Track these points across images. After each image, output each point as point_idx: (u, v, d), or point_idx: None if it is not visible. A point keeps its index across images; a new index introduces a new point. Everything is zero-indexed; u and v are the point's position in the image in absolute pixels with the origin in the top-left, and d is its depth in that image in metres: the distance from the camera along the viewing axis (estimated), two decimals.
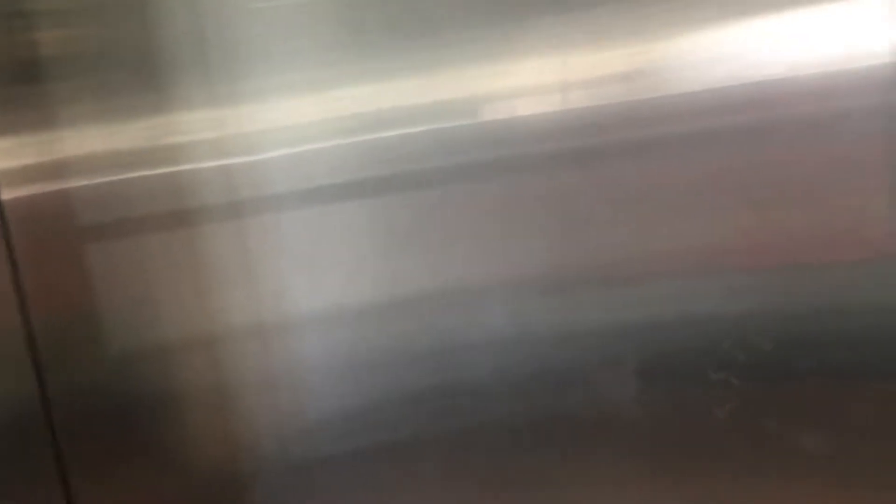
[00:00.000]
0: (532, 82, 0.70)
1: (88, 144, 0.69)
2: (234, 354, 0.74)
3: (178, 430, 0.75)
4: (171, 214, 0.71)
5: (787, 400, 0.70)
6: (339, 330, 0.73)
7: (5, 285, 0.70)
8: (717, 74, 0.66)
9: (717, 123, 0.67)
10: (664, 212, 0.69)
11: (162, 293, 0.73)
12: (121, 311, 0.72)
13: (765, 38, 0.65)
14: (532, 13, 0.68)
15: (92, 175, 0.69)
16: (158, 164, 0.70)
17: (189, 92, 0.69)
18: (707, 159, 0.67)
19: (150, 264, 0.72)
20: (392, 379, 0.74)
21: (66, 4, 0.67)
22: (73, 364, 0.72)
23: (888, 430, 0.68)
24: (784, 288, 0.68)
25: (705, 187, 0.68)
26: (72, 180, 0.69)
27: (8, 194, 0.68)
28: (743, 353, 0.69)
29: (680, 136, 0.68)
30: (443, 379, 0.73)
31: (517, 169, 0.70)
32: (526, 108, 0.70)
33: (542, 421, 0.74)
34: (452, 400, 0.74)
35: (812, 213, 0.66)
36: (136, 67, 0.68)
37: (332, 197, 0.71)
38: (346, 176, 0.71)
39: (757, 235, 0.68)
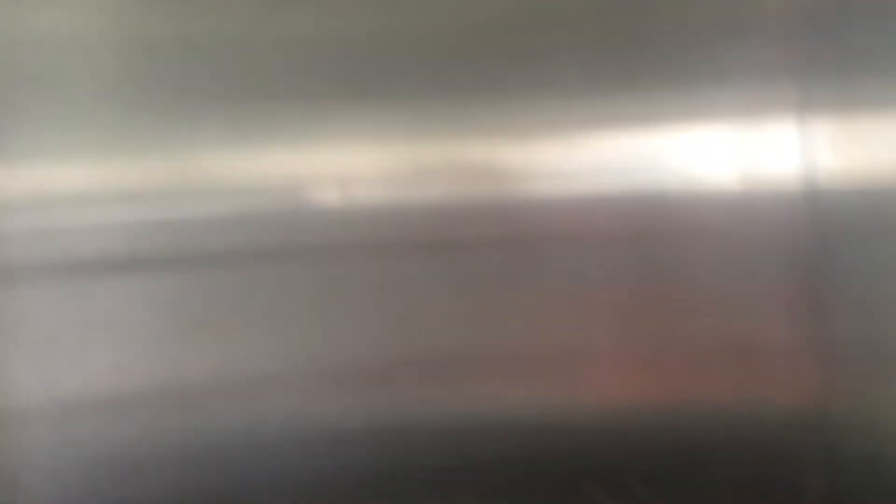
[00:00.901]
0: (342, 170, 0.62)
1: None
2: None
3: None
4: None
5: None
6: (81, 423, 0.63)
7: None
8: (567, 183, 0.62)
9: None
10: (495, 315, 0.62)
11: None
12: None
13: (656, 150, 0.61)
14: (349, 95, 0.62)
15: None
16: None
17: None
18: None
19: None
20: (142, 484, 0.63)
21: None
22: None
23: None
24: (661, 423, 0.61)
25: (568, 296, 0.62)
26: None
27: None
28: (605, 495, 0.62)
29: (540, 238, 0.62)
30: (206, 483, 0.64)
31: (309, 260, 0.63)
32: (328, 197, 0.63)
33: None
34: None
35: (695, 345, 0.61)
36: None
37: (93, 273, 0.62)
38: (116, 251, 0.62)
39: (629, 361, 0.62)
